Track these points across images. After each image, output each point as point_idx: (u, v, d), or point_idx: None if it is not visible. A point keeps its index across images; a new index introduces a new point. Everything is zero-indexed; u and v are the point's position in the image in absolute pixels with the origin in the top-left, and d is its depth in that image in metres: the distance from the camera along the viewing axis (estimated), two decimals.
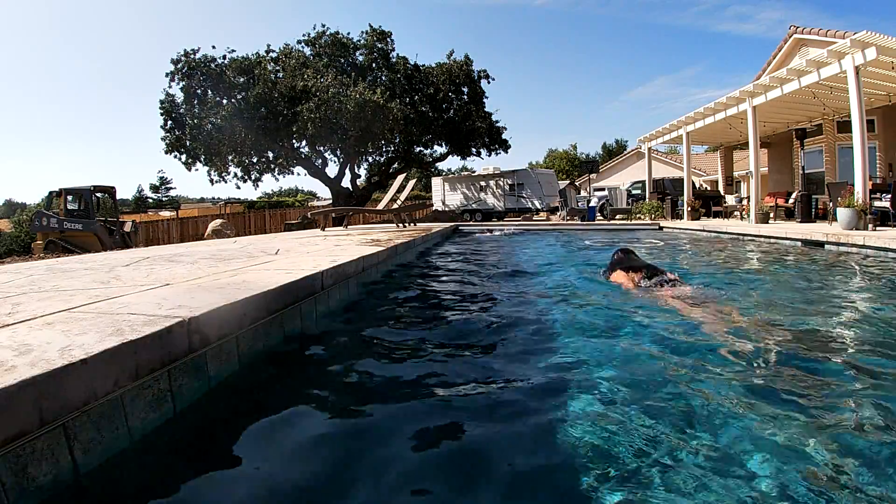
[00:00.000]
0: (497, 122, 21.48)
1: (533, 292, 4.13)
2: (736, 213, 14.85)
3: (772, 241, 8.52)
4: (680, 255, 7.51)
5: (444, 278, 5.37)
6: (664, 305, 3.26)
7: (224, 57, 18.29)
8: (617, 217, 17.51)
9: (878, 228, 8.14)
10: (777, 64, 14.48)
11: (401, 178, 25.63)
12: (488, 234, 12.94)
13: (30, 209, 23.07)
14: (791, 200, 12.96)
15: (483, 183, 23.21)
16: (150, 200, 43.59)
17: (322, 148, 20.27)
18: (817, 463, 1.40)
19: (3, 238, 20.80)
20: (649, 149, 18.73)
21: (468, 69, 20.48)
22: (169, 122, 18.50)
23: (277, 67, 18.61)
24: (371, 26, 20.01)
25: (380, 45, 19.98)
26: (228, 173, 19.48)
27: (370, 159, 23.04)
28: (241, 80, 17.68)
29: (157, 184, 44.68)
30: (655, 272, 3.87)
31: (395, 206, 21.88)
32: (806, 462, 1.41)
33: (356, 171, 22.28)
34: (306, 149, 20.07)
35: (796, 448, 1.48)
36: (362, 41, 20.17)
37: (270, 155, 19.58)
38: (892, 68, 8.95)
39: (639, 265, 4.03)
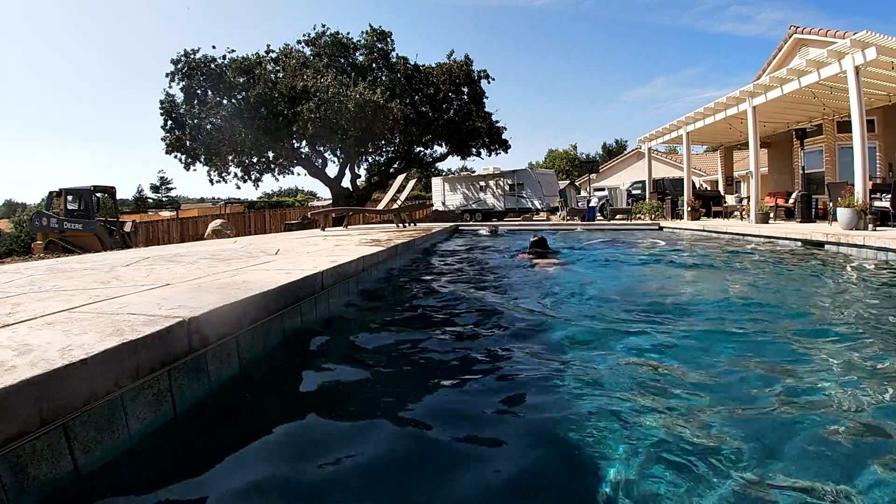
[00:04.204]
0: (497, 122, 21.47)
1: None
2: (736, 213, 14.85)
3: (772, 241, 8.52)
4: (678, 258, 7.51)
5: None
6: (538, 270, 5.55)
7: (224, 57, 18.29)
8: (617, 217, 17.51)
9: (878, 228, 8.13)
10: (777, 64, 14.48)
11: (401, 178, 25.61)
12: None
13: (30, 209, 23.07)
14: (791, 200, 12.96)
15: (483, 183, 23.21)
16: (150, 200, 43.52)
17: (322, 148, 20.27)
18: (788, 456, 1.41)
19: (3, 238, 20.80)
20: (649, 149, 18.73)
21: (468, 69, 20.46)
22: (169, 123, 18.49)
23: (277, 67, 18.60)
24: (371, 26, 20.01)
25: (380, 45, 19.97)
26: (228, 173, 19.48)
27: (370, 159, 23.04)
28: (241, 80, 17.67)
29: (157, 184, 44.65)
30: (545, 254, 5.91)
31: (395, 206, 21.89)
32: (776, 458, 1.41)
33: (356, 171, 22.29)
34: (306, 149, 20.06)
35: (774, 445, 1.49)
36: (362, 41, 20.16)
37: (270, 155, 19.57)
38: (892, 68, 8.95)
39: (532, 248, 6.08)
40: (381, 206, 23.43)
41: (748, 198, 13.09)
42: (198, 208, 34.16)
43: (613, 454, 1.48)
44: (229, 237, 12.16)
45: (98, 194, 15.05)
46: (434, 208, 24.76)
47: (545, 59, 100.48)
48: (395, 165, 22.81)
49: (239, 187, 29.27)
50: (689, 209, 14.77)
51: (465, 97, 20.79)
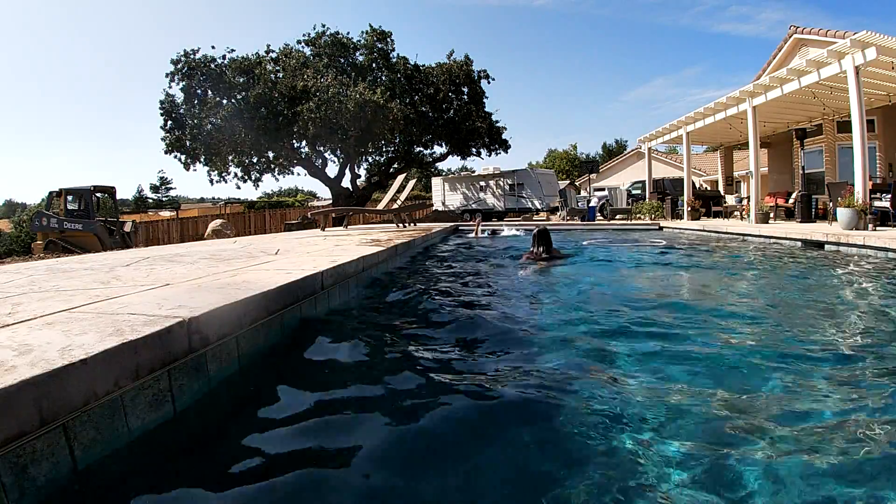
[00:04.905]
0: (497, 122, 21.48)
1: None
2: (736, 213, 14.85)
3: (772, 241, 8.52)
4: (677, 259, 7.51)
5: None
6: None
7: (224, 57, 18.30)
8: (617, 217, 17.50)
9: (878, 228, 8.13)
10: (777, 64, 14.48)
11: (401, 178, 25.61)
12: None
13: (30, 209, 23.06)
14: (791, 200, 12.96)
15: (483, 183, 23.21)
16: (150, 200, 43.52)
17: (322, 148, 20.28)
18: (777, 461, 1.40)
19: (3, 238, 20.80)
20: (649, 149, 18.73)
21: (468, 69, 20.46)
22: (169, 122, 18.50)
23: (277, 67, 18.61)
24: (371, 26, 20.02)
25: (380, 45, 19.97)
26: (228, 173, 19.49)
27: (370, 159, 23.05)
28: (241, 80, 17.68)
29: (157, 184, 44.66)
30: (547, 251, 5.99)
31: (395, 206, 21.89)
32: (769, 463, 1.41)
33: (356, 171, 22.30)
34: (306, 149, 20.07)
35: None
36: (362, 41, 20.17)
37: (270, 155, 19.58)
38: (892, 68, 8.95)
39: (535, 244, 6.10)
40: (381, 206, 23.43)
41: (748, 198, 13.09)
42: (198, 208, 34.14)
43: (610, 454, 1.48)
44: (229, 237, 12.16)
45: (98, 194, 15.05)
46: (434, 208, 24.76)
47: (545, 59, 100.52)
48: (395, 165, 22.82)
49: (239, 187, 29.31)
50: (689, 209, 14.77)
51: (465, 97, 20.80)
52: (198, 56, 18.02)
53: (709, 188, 22.26)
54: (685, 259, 7.10)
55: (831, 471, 1.35)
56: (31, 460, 1.14)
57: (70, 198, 14.22)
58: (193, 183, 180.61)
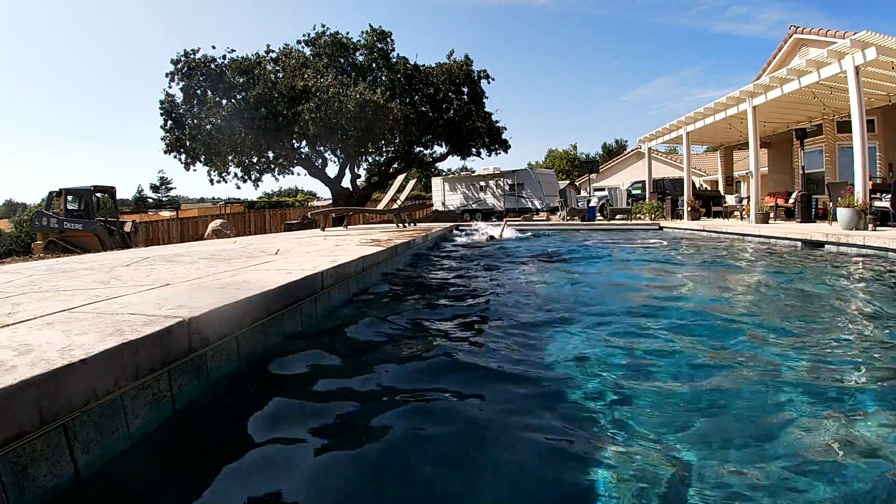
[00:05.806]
0: (497, 122, 21.47)
1: None
2: (736, 213, 14.85)
3: (772, 241, 8.52)
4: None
5: None
6: None
7: (224, 57, 18.28)
8: (617, 217, 17.50)
9: (878, 228, 8.14)
10: (777, 64, 14.48)
11: (401, 178, 25.60)
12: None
13: (30, 209, 23.09)
14: (791, 200, 12.96)
15: (483, 183, 23.21)
16: (150, 200, 43.53)
17: (322, 148, 20.27)
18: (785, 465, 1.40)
19: (3, 238, 20.83)
20: (649, 149, 18.73)
21: (468, 69, 20.45)
22: (169, 122, 18.48)
23: (277, 67, 18.59)
24: (371, 26, 20.01)
25: (380, 45, 19.96)
26: (228, 173, 19.47)
27: (370, 159, 23.03)
28: (241, 80, 17.66)
29: (157, 184, 44.66)
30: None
31: (395, 206, 21.88)
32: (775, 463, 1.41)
33: (356, 171, 22.28)
34: (306, 149, 20.07)
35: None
36: (362, 41, 20.16)
37: (270, 155, 19.57)
38: (892, 68, 8.95)
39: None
40: (381, 206, 23.42)
41: (748, 198, 13.09)
42: (198, 208, 34.15)
43: (602, 456, 1.48)
44: (229, 237, 12.17)
45: (98, 194, 15.05)
46: (434, 208, 24.76)
47: (545, 59, 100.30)
48: (395, 165, 22.81)
49: (239, 187, 29.27)
50: (689, 209, 14.78)
51: (465, 97, 20.78)
52: (198, 56, 18.00)
53: (709, 188, 22.26)
54: (683, 259, 7.10)
55: (821, 471, 1.35)
56: (31, 460, 1.14)
57: (70, 198, 14.22)
58: (193, 183, 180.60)
